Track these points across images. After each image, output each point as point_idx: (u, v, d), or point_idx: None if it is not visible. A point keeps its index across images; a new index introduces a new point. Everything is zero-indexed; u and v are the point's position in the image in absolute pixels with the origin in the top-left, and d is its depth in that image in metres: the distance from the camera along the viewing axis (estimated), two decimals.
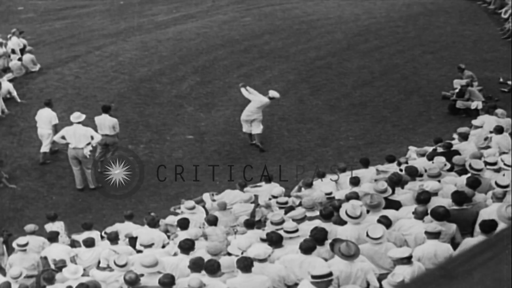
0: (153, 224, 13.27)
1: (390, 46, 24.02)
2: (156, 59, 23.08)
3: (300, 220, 10.87)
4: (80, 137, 16.27)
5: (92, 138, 16.30)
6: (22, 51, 22.58)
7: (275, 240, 9.86)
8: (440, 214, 10.05)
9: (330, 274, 8.31)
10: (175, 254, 10.93)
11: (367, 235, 9.52)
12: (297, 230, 10.26)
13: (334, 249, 9.03)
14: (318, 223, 10.77)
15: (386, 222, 10.00)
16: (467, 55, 22.37)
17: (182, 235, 12.00)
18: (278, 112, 19.73)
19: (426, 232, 9.67)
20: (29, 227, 13.40)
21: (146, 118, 19.90)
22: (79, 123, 16.32)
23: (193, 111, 20.08)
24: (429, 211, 10.42)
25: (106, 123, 16.80)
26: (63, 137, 16.49)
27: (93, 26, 27.84)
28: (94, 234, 13.54)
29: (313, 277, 8.28)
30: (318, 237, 9.62)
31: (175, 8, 30.13)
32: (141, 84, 21.49)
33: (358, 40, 24.54)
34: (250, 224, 12.53)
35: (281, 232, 10.26)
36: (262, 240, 10.32)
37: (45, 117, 17.45)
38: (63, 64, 22.98)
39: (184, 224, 12.69)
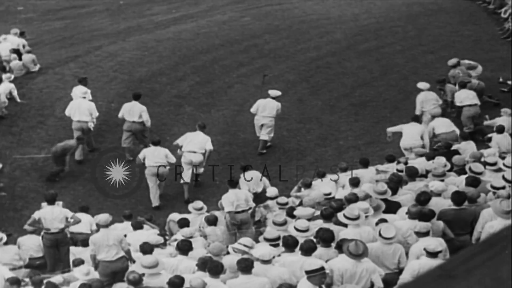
0: (138, 226, 13.36)
1: (390, 46, 24.00)
2: (156, 59, 23.07)
3: (308, 220, 10.89)
4: (84, 110, 17.57)
5: (91, 114, 17.58)
6: (18, 51, 22.55)
7: (290, 244, 9.67)
8: (427, 215, 10.14)
9: (322, 268, 8.38)
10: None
11: (380, 235, 9.54)
12: (308, 229, 10.27)
13: (342, 247, 9.05)
14: (320, 223, 10.80)
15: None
16: (466, 55, 22.33)
17: (178, 234, 12.06)
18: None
19: (416, 233, 9.76)
20: (29, 227, 13.53)
21: None
22: (84, 98, 17.78)
23: (192, 111, 20.07)
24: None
25: (135, 109, 17.55)
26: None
27: (93, 26, 27.82)
28: (85, 216, 13.84)
29: (307, 272, 8.36)
30: (325, 238, 9.60)
31: (175, 8, 30.11)
32: (141, 84, 21.47)
33: (358, 40, 24.52)
34: (234, 183, 12.92)
35: (292, 230, 10.27)
36: (267, 239, 10.28)
37: (80, 94, 18.11)
38: (62, 64, 22.96)
39: (184, 223, 12.76)
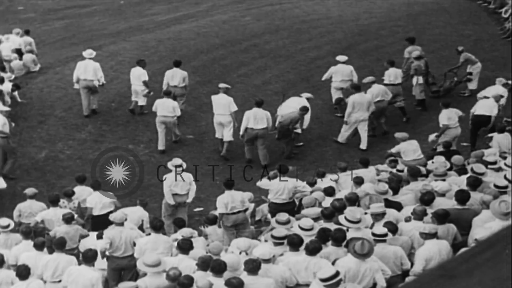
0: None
1: (390, 46, 23.99)
2: (156, 59, 23.06)
3: (315, 219, 10.88)
4: (91, 70, 19.23)
5: (96, 74, 19.22)
6: (20, 51, 22.54)
7: (296, 243, 9.61)
8: (441, 216, 10.09)
9: (338, 274, 8.29)
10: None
11: (373, 234, 9.52)
12: (312, 228, 10.26)
13: (348, 246, 9.03)
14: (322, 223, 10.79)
15: (392, 228, 9.95)
16: None
17: (177, 234, 12.08)
18: None
19: (425, 234, 9.68)
20: (30, 190, 13.83)
21: (147, 117, 19.87)
22: (90, 59, 19.35)
23: (193, 111, 20.07)
24: (429, 212, 10.44)
25: (178, 75, 19.18)
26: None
27: (93, 26, 27.83)
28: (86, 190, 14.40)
29: (322, 280, 8.23)
30: (337, 237, 9.57)
31: (175, 7, 30.12)
32: None
33: (358, 40, 24.52)
34: (230, 184, 12.96)
35: (296, 229, 10.27)
36: (274, 237, 10.27)
37: (137, 75, 19.48)
38: (63, 63, 22.96)
39: (182, 224, 12.79)
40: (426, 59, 20.09)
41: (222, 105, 17.72)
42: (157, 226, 11.44)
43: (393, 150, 15.61)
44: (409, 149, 15.38)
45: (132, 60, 22.74)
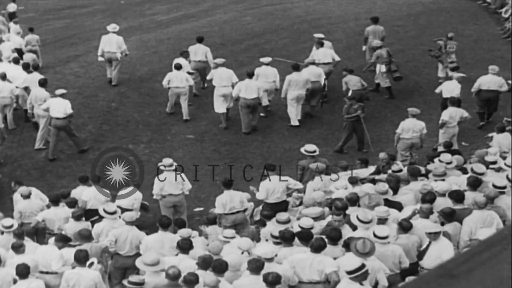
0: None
1: (391, 46, 23.89)
2: (157, 59, 23.07)
3: (316, 219, 10.91)
4: (113, 43, 20.76)
5: (120, 47, 20.69)
6: (20, 50, 22.52)
7: (287, 237, 9.81)
8: (448, 214, 10.15)
9: (363, 266, 8.37)
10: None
11: (374, 235, 9.56)
12: (312, 228, 10.31)
13: (350, 246, 9.07)
14: (326, 223, 10.81)
15: (407, 225, 10.00)
16: (467, 55, 22.35)
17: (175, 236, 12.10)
18: (278, 111, 19.74)
19: (430, 233, 9.71)
20: (25, 190, 13.84)
21: (147, 117, 19.89)
22: (114, 32, 20.83)
23: (193, 110, 20.07)
24: (433, 212, 10.49)
25: (200, 50, 20.53)
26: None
27: (94, 26, 27.82)
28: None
29: (349, 272, 8.30)
30: (333, 236, 9.62)
31: (176, 7, 30.13)
32: (142, 84, 21.49)
33: (359, 40, 24.46)
34: (229, 184, 12.99)
35: (296, 228, 10.30)
36: (273, 236, 10.30)
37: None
38: (63, 63, 22.97)
39: (181, 223, 12.80)
40: (387, 48, 20.48)
41: (226, 77, 18.67)
42: (164, 224, 11.47)
43: (398, 130, 16.51)
44: (409, 128, 16.35)
45: (132, 60, 22.76)
